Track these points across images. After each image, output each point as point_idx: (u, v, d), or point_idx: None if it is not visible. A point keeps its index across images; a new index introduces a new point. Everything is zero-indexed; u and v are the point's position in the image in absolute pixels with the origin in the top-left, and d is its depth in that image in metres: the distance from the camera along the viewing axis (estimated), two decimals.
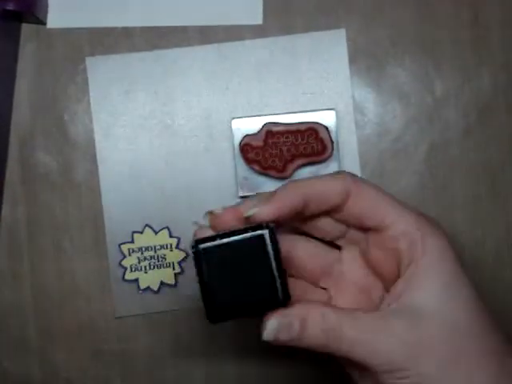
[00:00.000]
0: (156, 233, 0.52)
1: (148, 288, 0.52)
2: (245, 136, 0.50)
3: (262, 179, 0.51)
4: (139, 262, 0.52)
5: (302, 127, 0.50)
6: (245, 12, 0.52)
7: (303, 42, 0.52)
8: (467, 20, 0.52)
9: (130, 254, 0.52)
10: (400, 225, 0.33)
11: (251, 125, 0.50)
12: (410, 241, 0.32)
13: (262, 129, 0.50)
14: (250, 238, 0.30)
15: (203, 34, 0.52)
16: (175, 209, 0.52)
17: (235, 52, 0.52)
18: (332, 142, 0.50)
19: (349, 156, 0.52)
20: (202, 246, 0.30)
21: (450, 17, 0.52)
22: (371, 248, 0.35)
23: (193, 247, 0.30)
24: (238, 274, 0.30)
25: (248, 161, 0.50)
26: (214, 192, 0.52)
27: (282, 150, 0.50)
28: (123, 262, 0.52)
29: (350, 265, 0.37)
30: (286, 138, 0.50)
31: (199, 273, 0.30)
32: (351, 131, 0.52)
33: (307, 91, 0.52)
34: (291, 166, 0.50)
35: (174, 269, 0.52)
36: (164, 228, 0.52)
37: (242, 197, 0.51)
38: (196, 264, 0.30)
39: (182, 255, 0.52)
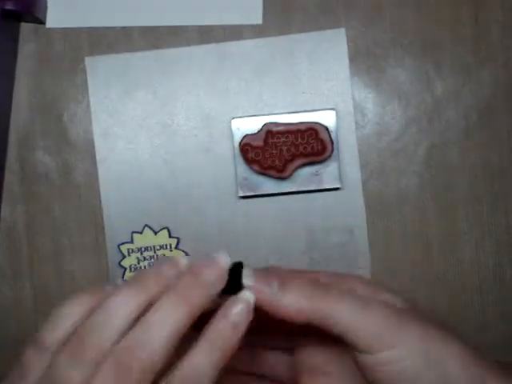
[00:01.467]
0: (156, 233, 0.52)
1: None
2: (245, 136, 0.50)
3: (261, 179, 0.51)
4: (138, 263, 0.52)
5: (302, 127, 0.50)
6: (244, 12, 0.52)
7: (303, 41, 0.52)
8: (467, 20, 0.52)
9: (129, 255, 0.52)
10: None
11: (251, 125, 0.50)
12: None
13: (261, 129, 0.50)
14: None
15: (203, 34, 0.52)
16: (175, 209, 0.52)
17: (235, 52, 0.52)
18: (332, 142, 0.50)
19: (349, 156, 0.52)
20: None
21: (450, 17, 0.52)
22: None
23: None
24: None
25: (248, 161, 0.50)
26: (214, 192, 0.52)
27: (281, 149, 0.50)
28: (123, 263, 0.52)
29: None
30: (286, 137, 0.50)
31: None
32: (351, 131, 0.52)
33: (307, 91, 0.52)
34: (291, 166, 0.50)
35: None
36: (164, 228, 0.52)
37: (242, 197, 0.51)
38: None
39: (181, 255, 0.52)
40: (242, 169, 0.51)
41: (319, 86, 0.52)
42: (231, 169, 0.52)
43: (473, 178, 0.52)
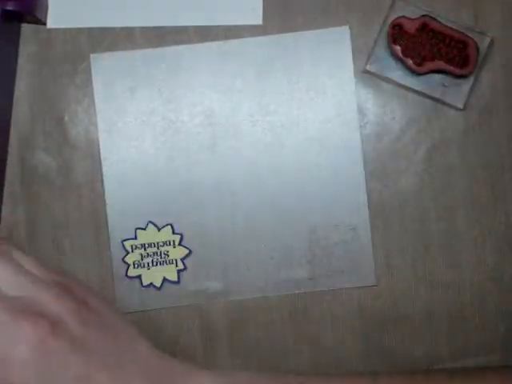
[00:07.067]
0: (159, 229, 0.52)
1: (151, 284, 0.52)
2: (401, 16, 0.50)
3: (393, 65, 0.51)
4: (142, 259, 0.52)
5: (456, 35, 0.50)
6: (245, 12, 0.52)
7: (306, 39, 0.52)
8: (467, 20, 0.52)
9: (132, 251, 0.52)
10: None
11: None
12: None
13: (419, 18, 0.50)
14: None
15: (203, 35, 0.52)
16: (178, 205, 0.52)
17: (238, 49, 0.52)
18: (476, 62, 0.50)
19: (350, 154, 0.52)
20: None
21: (450, 17, 0.51)
22: None
23: None
24: None
25: (393, 40, 0.50)
26: (217, 189, 0.52)
27: (429, 44, 0.50)
28: (126, 259, 0.52)
29: None
30: (437, 37, 0.49)
31: None
32: (355, 129, 0.52)
33: (310, 88, 0.52)
34: (429, 65, 0.50)
35: (176, 265, 0.52)
36: (167, 225, 0.52)
37: (366, 72, 0.51)
38: None
39: (185, 252, 0.52)
40: (383, 46, 0.50)
41: (322, 83, 0.52)
42: (233, 165, 0.52)
43: (473, 178, 0.52)
